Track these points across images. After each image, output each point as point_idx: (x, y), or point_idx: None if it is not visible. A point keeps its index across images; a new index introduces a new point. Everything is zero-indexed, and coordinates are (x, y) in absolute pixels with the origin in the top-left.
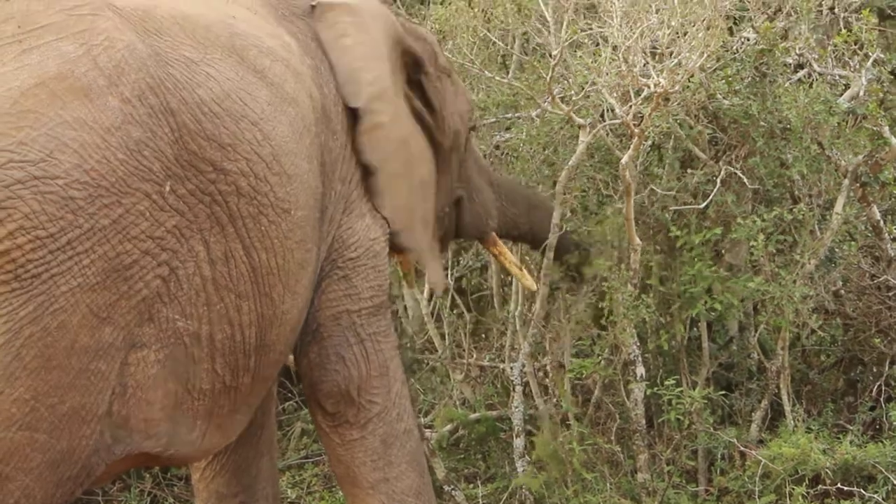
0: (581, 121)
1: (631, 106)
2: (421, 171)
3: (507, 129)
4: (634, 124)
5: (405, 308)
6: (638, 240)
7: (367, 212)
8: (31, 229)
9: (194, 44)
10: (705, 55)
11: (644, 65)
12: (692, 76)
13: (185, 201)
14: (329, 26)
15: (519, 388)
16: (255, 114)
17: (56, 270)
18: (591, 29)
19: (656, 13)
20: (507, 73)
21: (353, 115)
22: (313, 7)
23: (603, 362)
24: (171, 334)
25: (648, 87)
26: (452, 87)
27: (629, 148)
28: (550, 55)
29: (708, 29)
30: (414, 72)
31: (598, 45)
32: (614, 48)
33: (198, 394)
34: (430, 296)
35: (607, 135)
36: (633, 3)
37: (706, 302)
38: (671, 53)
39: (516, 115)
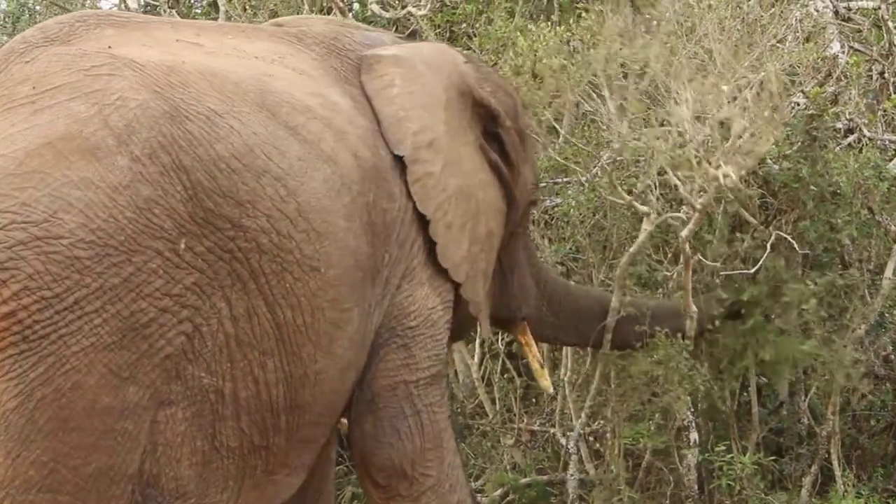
0: (644, 209)
1: (692, 190)
2: (488, 224)
3: (557, 194)
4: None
5: (455, 373)
6: (694, 307)
7: (426, 280)
8: (36, 290)
9: (221, 97)
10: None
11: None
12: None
13: (203, 259)
14: (375, 78)
15: (575, 457)
16: (281, 169)
17: (65, 331)
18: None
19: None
20: (558, 137)
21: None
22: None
23: (654, 427)
24: (197, 391)
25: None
26: (525, 152)
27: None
28: (601, 122)
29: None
30: (490, 124)
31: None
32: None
33: (226, 452)
34: (481, 361)
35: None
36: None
37: (756, 354)
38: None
39: (566, 180)
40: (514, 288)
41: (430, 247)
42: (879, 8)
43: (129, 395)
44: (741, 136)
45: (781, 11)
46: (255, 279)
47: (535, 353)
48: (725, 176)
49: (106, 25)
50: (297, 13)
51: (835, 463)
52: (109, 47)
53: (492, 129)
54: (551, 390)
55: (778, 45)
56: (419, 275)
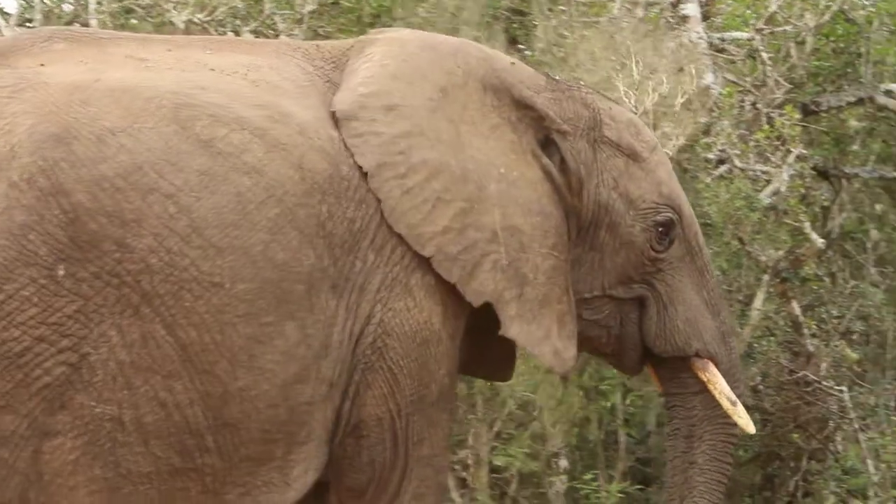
0: None
1: None
2: (510, 219)
3: None
4: None
5: None
6: None
7: (414, 286)
8: None
9: (123, 114)
10: None
11: None
12: None
13: (88, 285)
14: (358, 58)
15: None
16: (173, 186)
17: None
18: None
19: None
20: None
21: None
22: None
23: (525, 454)
24: (88, 421)
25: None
26: (639, 170)
27: None
28: None
29: None
30: (541, 129)
31: None
32: None
33: (138, 478)
34: None
35: None
36: None
37: (625, 396)
38: None
39: None
40: (680, 321)
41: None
42: (753, 39)
43: (4, 424)
44: None
45: (655, 43)
46: (149, 302)
47: (721, 391)
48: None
49: (60, 40)
50: None
51: None
52: (41, 65)
53: (544, 134)
54: (752, 429)
55: (651, 75)
56: (403, 282)
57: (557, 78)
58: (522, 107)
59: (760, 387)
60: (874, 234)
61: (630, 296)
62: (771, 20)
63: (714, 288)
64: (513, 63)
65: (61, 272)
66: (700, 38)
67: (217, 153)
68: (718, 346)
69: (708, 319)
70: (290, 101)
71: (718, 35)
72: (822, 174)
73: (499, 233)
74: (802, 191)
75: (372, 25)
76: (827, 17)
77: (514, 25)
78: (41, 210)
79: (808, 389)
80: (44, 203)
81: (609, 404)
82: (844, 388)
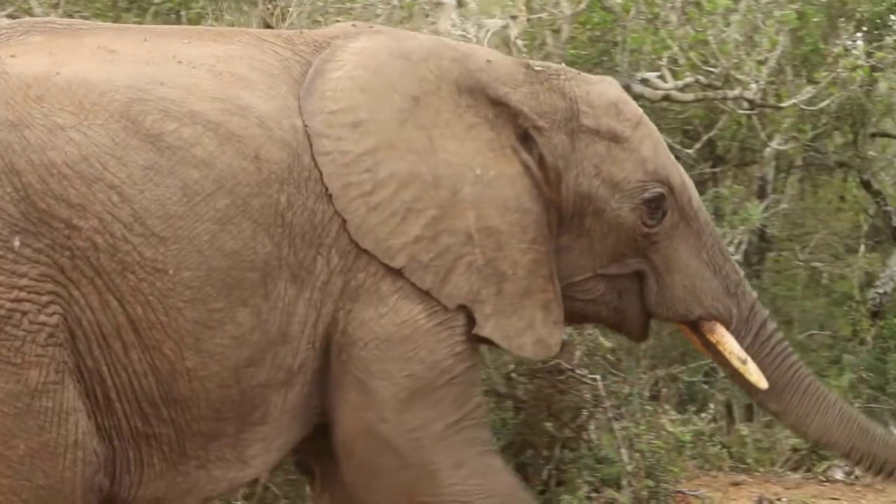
0: None
1: None
2: (487, 220)
3: None
4: None
5: None
6: None
7: (388, 293)
8: None
9: (75, 109)
10: None
11: None
12: None
13: (45, 254)
14: (327, 62)
15: None
16: (117, 178)
17: None
18: None
19: None
20: None
21: None
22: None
23: None
24: (83, 370)
25: None
26: (622, 151)
27: None
28: None
29: None
30: (517, 125)
31: None
32: None
33: (116, 434)
34: None
35: None
36: None
37: None
38: None
39: None
40: (678, 290)
41: None
42: (507, 26)
43: (33, 379)
44: None
45: (410, 29)
46: (100, 275)
47: (731, 350)
48: None
49: (37, 32)
50: None
51: None
52: (12, 56)
53: (522, 129)
54: (764, 384)
55: None
56: (369, 292)
57: (538, 67)
58: (498, 104)
59: (513, 374)
60: None
61: (626, 271)
62: (527, 7)
63: (713, 246)
64: (489, 61)
65: (17, 243)
66: (454, 25)
67: (165, 147)
68: (724, 303)
69: (710, 280)
70: (254, 92)
71: (472, 23)
72: None
73: (474, 235)
74: None
75: (128, 11)
76: (583, 5)
77: (269, 10)
78: None
79: (562, 378)
80: None
81: None
82: (598, 377)
